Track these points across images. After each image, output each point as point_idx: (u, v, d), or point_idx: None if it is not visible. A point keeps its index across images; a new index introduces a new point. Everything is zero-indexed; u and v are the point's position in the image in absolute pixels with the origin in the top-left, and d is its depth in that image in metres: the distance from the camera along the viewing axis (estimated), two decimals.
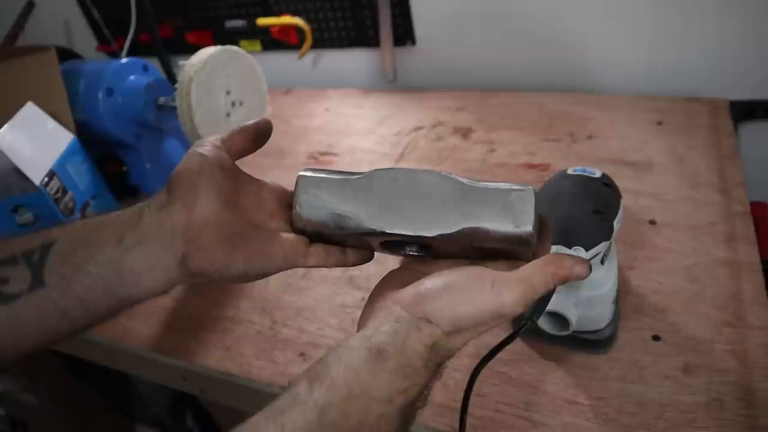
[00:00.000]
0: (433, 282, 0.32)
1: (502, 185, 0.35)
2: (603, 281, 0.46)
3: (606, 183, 0.47)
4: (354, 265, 0.38)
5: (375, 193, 0.36)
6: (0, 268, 0.30)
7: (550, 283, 0.31)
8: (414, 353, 0.29)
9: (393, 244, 0.36)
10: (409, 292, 0.32)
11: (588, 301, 0.46)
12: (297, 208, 0.36)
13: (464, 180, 0.36)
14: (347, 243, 0.38)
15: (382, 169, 0.36)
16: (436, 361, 0.30)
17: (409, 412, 0.29)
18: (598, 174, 0.47)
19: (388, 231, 0.35)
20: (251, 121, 0.37)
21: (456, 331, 0.30)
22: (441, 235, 0.34)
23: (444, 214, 0.34)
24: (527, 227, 0.33)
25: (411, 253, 0.37)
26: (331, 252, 0.37)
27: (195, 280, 0.33)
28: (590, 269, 0.32)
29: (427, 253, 0.37)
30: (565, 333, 0.46)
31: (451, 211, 0.34)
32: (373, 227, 0.35)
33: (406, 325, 0.30)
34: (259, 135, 0.37)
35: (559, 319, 0.46)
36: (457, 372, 0.49)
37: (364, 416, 0.27)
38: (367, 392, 0.27)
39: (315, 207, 0.36)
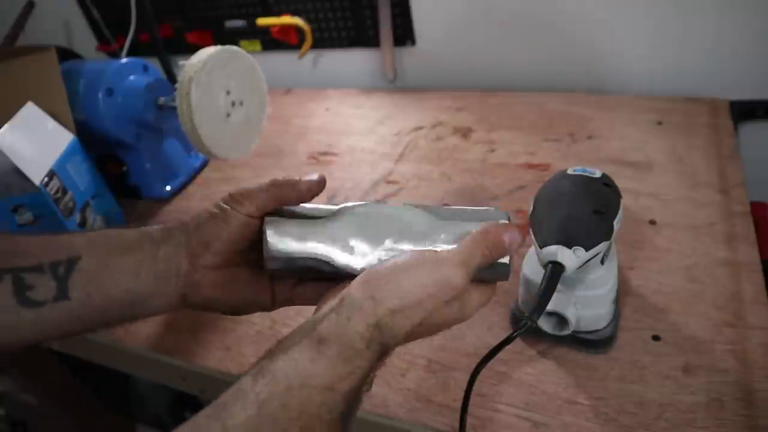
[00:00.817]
0: (382, 265, 0.32)
1: (477, 210, 0.37)
2: (603, 281, 0.46)
3: (606, 183, 0.47)
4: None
5: (346, 232, 0.36)
6: (27, 274, 0.34)
7: (485, 249, 0.33)
8: (355, 334, 0.29)
9: None
10: (360, 276, 0.33)
11: (587, 300, 0.46)
12: (267, 252, 0.36)
13: (432, 212, 0.36)
14: (324, 279, 0.38)
15: (350, 206, 0.37)
16: (380, 341, 0.30)
17: (352, 397, 0.29)
18: (598, 174, 0.47)
19: (355, 266, 0.35)
20: (295, 181, 0.37)
21: (400, 308, 0.30)
22: None
23: (409, 245, 0.35)
24: (505, 258, 0.35)
25: None
26: (316, 291, 0.39)
27: (191, 308, 0.38)
28: (520, 235, 0.35)
29: None
30: (565, 333, 0.46)
31: (416, 241, 0.35)
32: (349, 265, 0.35)
33: (350, 305, 0.30)
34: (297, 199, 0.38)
35: (559, 319, 0.46)
36: (457, 372, 0.49)
37: (305, 406, 0.28)
38: (307, 382, 0.28)
39: (285, 250, 0.36)
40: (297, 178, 0.37)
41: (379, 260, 0.35)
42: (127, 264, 0.36)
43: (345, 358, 0.29)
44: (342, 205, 0.37)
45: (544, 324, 0.46)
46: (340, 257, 0.35)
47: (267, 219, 0.36)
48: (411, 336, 0.32)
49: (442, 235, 0.35)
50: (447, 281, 0.31)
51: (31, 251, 0.35)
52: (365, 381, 0.30)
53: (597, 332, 0.48)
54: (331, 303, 0.32)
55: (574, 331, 0.46)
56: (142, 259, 0.36)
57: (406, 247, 0.35)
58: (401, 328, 0.31)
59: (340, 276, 0.36)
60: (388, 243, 0.35)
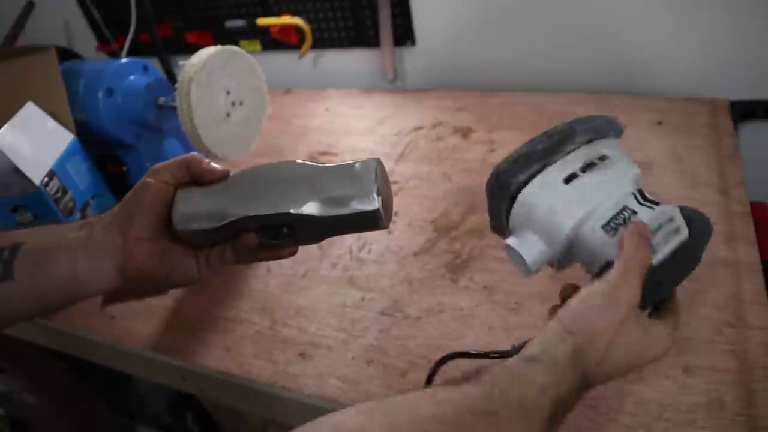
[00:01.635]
0: (577, 297, 0.36)
1: (349, 161, 0.39)
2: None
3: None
4: (245, 261, 0.43)
5: (240, 189, 0.40)
6: None
7: (638, 252, 0.35)
8: (562, 355, 0.33)
9: (265, 230, 0.40)
10: (562, 308, 0.36)
11: None
12: (174, 217, 0.40)
13: (316, 163, 0.40)
14: (228, 239, 0.42)
15: (247, 168, 0.41)
16: (582, 366, 0.33)
17: (557, 408, 0.32)
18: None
19: (250, 214, 0.38)
20: (201, 158, 0.41)
21: (592, 336, 0.33)
22: (298, 210, 0.38)
23: (298, 192, 0.38)
24: (371, 189, 0.37)
25: (281, 239, 0.40)
26: (221, 253, 0.42)
27: (130, 284, 0.41)
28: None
29: (294, 235, 0.40)
30: None
31: (303, 188, 0.38)
32: (238, 214, 0.39)
33: (553, 335, 0.34)
34: (202, 177, 0.41)
35: None
36: (456, 372, 0.49)
37: (523, 398, 0.31)
38: (524, 380, 0.32)
39: (188, 213, 0.40)
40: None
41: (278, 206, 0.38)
42: (67, 245, 0.39)
43: (552, 370, 0.32)
44: (239, 170, 0.41)
45: None
46: (232, 209, 0.39)
47: (180, 186, 0.41)
48: (605, 367, 0.34)
49: (330, 183, 0.38)
50: (620, 298, 0.34)
51: None
52: (569, 401, 0.33)
53: None
54: (541, 333, 0.35)
55: None
56: (79, 239, 0.39)
57: (286, 195, 0.39)
58: (594, 355, 0.33)
59: (238, 231, 0.40)
60: (272, 192, 0.39)
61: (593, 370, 0.33)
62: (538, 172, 0.38)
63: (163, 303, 0.65)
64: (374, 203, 0.37)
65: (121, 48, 1.09)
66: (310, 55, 1.09)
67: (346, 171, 0.38)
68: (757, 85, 0.78)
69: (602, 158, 0.39)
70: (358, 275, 0.63)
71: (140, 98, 0.73)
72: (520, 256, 0.38)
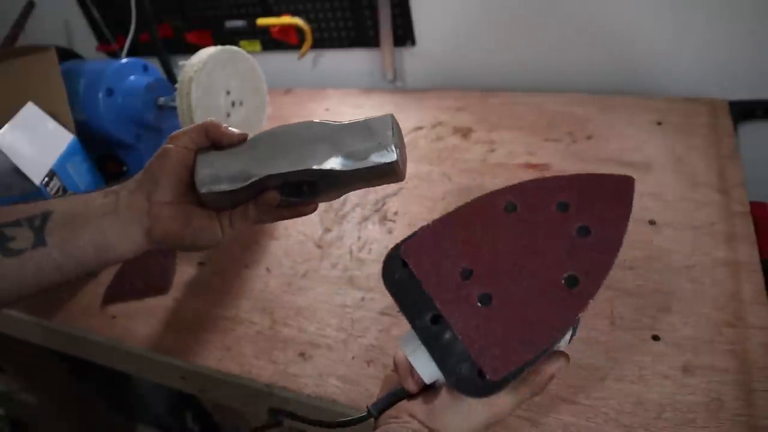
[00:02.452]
0: (442, 399, 0.36)
1: (365, 118, 0.40)
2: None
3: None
4: (267, 220, 0.45)
5: (260, 149, 0.41)
6: (6, 228, 0.38)
7: (537, 393, 0.35)
8: None
9: (287, 188, 0.41)
10: (422, 406, 0.36)
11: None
12: (196, 177, 0.41)
13: (333, 122, 0.41)
14: (251, 199, 0.43)
15: (263, 131, 0.42)
16: None
17: None
18: None
19: (272, 173, 0.40)
20: (219, 124, 0.43)
21: None
22: (320, 165, 0.39)
23: (318, 149, 0.40)
24: (389, 140, 0.38)
25: (303, 196, 0.42)
26: (245, 214, 0.43)
27: (158, 246, 0.42)
28: (568, 359, 0.34)
29: (318, 191, 0.42)
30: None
31: (323, 145, 0.40)
32: (261, 173, 0.40)
33: (410, 424, 0.35)
34: (221, 140, 0.43)
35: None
36: None
37: None
38: None
39: (210, 175, 0.41)
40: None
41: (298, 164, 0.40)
42: (95, 210, 0.40)
43: None
44: (257, 134, 0.43)
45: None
46: (254, 169, 0.40)
47: (199, 151, 0.42)
48: None
49: (348, 139, 0.40)
50: (494, 420, 0.35)
51: (8, 212, 0.39)
52: None
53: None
54: (394, 414, 0.36)
55: None
56: (107, 205, 0.41)
57: (307, 152, 0.40)
58: None
59: (260, 190, 0.41)
60: (292, 151, 0.40)
61: None
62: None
63: (163, 303, 0.65)
64: (393, 155, 0.38)
65: (121, 48, 1.09)
66: (310, 55, 1.09)
67: (363, 127, 0.40)
68: (756, 85, 0.78)
69: None
70: (358, 275, 0.63)
71: (140, 98, 0.73)
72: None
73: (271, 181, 0.40)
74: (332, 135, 0.40)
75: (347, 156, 0.39)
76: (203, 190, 0.41)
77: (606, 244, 0.30)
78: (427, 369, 0.34)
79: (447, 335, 0.31)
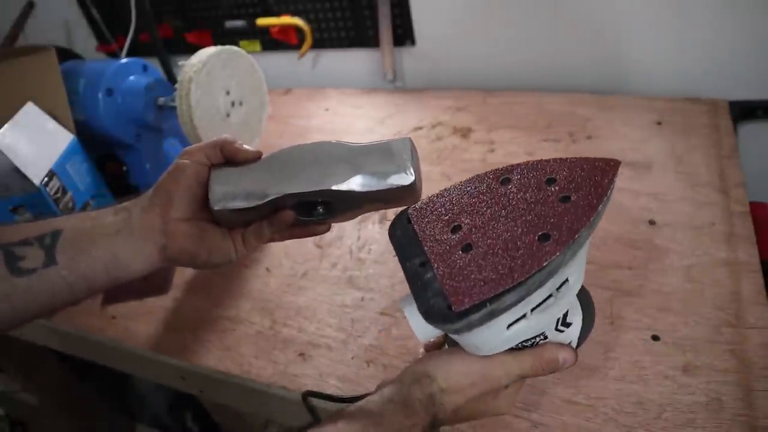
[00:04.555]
0: (449, 353, 0.38)
1: (383, 140, 0.41)
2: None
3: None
4: (279, 239, 0.45)
5: (276, 168, 0.41)
6: (16, 247, 0.38)
7: (538, 368, 0.37)
8: (415, 400, 0.36)
9: (302, 207, 0.41)
10: (426, 356, 0.39)
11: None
12: (211, 196, 0.40)
13: (349, 142, 0.41)
14: (265, 218, 0.43)
15: (282, 149, 0.42)
16: (433, 411, 0.36)
17: None
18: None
19: (290, 192, 0.40)
20: (233, 140, 0.42)
21: (447, 388, 0.36)
22: (338, 186, 0.39)
23: (336, 169, 0.40)
24: (407, 164, 0.39)
25: (319, 213, 0.42)
26: (259, 232, 0.43)
27: (170, 264, 0.42)
28: (576, 357, 0.37)
29: (333, 212, 0.42)
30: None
31: (341, 166, 0.40)
32: (279, 192, 0.40)
33: (410, 378, 0.37)
34: (235, 157, 0.42)
35: None
36: None
37: None
38: (381, 422, 0.34)
39: (225, 192, 0.40)
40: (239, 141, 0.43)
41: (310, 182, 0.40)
42: (106, 228, 0.39)
43: (407, 414, 0.35)
44: (272, 152, 0.42)
45: None
46: (270, 188, 0.40)
47: (213, 168, 0.42)
48: (456, 415, 0.37)
49: (366, 161, 0.40)
50: (489, 375, 0.36)
51: (18, 230, 0.39)
52: None
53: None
54: (394, 378, 0.38)
55: None
56: (118, 222, 0.40)
57: (325, 172, 0.40)
58: (449, 404, 0.36)
59: (275, 209, 0.41)
60: (310, 170, 0.40)
61: (443, 417, 0.36)
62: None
63: (163, 303, 0.65)
64: (411, 177, 0.39)
65: (121, 48, 1.09)
66: (310, 55, 1.09)
67: (381, 149, 0.40)
68: (756, 85, 0.78)
69: (563, 285, 0.34)
70: (358, 275, 0.63)
71: (140, 98, 0.73)
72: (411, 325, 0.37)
73: (288, 200, 0.40)
74: (350, 156, 0.40)
75: (365, 177, 0.39)
76: (217, 207, 0.40)
77: (581, 208, 0.33)
78: (420, 325, 0.35)
79: (428, 275, 0.34)
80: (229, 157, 0.42)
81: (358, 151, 0.40)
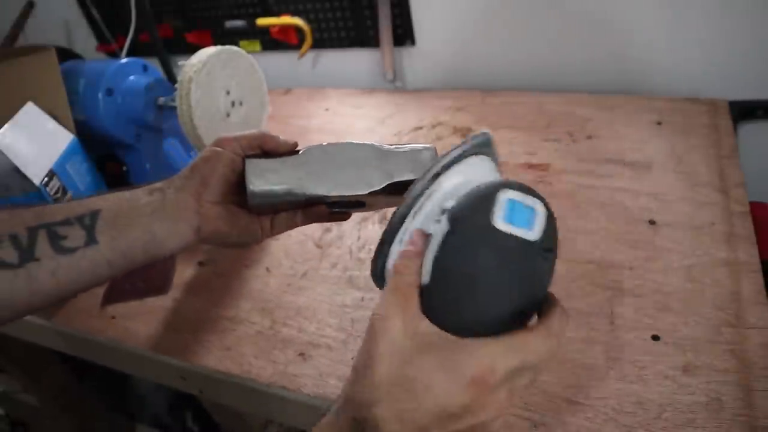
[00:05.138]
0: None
1: (410, 146, 0.45)
2: None
3: (547, 248, 0.31)
4: (308, 223, 0.48)
5: (312, 166, 0.44)
6: (59, 227, 0.39)
7: (400, 277, 0.32)
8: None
9: (336, 204, 0.45)
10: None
11: None
12: (250, 187, 0.43)
13: (383, 146, 0.44)
14: (297, 209, 0.47)
15: (315, 146, 0.45)
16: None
17: None
18: (536, 232, 0.30)
19: (328, 194, 0.43)
20: (274, 135, 0.46)
21: (364, 403, 0.31)
22: (372, 192, 0.43)
23: (371, 174, 0.43)
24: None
25: (349, 208, 0.47)
26: (289, 219, 0.47)
27: (203, 242, 0.44)
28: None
29: (363, 207, 0.46)
30: None
31: (376, 171, 0.43)
32: (316, 193, 0.43)
33: (348, 413, 0.33)
34: (277, 150, 0.46)
35: None
36: None
37: None
38: None
39: (264, 185, 0.43)
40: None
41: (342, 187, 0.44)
42: (142, 209, 0.41)
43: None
44: (306, 147, 0.45)
45: None
46: (311, 187, 0.43)
47: (247, 158, 0.44)
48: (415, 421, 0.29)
49: (396, 167, 0.44)
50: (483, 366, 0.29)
51: (57, 211, 0.40)
52: None
53: None
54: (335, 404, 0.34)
55: None
56: (153, 203, 0.42)
57: (361, 177, 0.44)
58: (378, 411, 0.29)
59: (310, 203, 0.45)
60: (347, 173, 0.44)
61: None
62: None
63: (163, 303, 0.65)
64: None
65: (121, 48, 1.09)
66: (310, 55, 1.09)
67: (411, 155, 0.44)
68: (757, 85, 0.78)
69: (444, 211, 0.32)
70: (358, 275, 0.63)
71: (140, 98, 0.73)
72: None
73: (325, 198, 0.44)
74: (382, 160, 0.44)
75: (398, 183, 0.43)
76: (256, 200, 0.43)
77: None
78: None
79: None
80: (270, 151, 0.45)
81: (389, 156, 0.44)
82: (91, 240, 0.40)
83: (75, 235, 0.40)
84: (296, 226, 0.48)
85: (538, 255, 0.31)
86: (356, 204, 0.45)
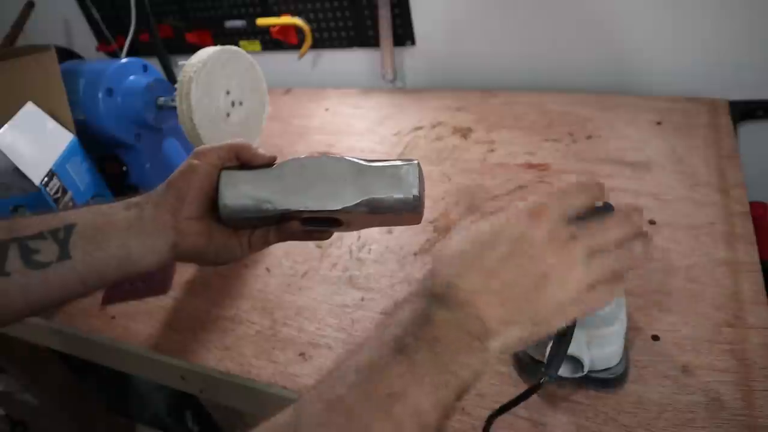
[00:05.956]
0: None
1: (392, 162, 0.42)
2: (613, 316, 0.44)
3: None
4: (282, 240, 0.47)
5: (287, 179, 0.42)
6: (31, 241, 0.38)
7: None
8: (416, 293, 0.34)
9: (309, 220, 0.43)
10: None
11: (601, 339, 0.43)
12: (221, 200, 0.42)
13: (361, 160, 0.42)
14: (271, 224, 0.45)
15: (292, 159, 0.43)
16: (430, 290, 0.33)
17: (400, 337, 0.31)
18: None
19: (300, 209, 0.41)
20: (254, 147, 0.44)
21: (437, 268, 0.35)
22: (345, 207, 0.41)
23: (346, 190, 0.41)
24: (414, 191, 0.40)
25: (324, 226, 0.44)
26: (264, 237, 0.46)
27: (179, 260, 0.43)
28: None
29: (339, 225, 0.43)
30: (578, 375, 0.43)
31: (350, 187, 0.41)
32: (288, 207, 0.41)
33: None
34: (251, 162, 0.44)
35: (573, 361, 0.43)
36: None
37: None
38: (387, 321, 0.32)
39: (236, 197, 0.42)
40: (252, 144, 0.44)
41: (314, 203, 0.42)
42: (118, 224, 0.40)
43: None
44: (284, 160, 0.44)
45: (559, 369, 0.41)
46: (282, 201, 0.41)
47: (224, 170, 0.42)
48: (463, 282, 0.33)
49: (374, 183, 0.41)
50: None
51: (31, 224, 0.39)
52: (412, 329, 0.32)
53: (609, 370, 0.45)
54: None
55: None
56: (130, 218, 0.41)
57: (335, 192, 0.41)
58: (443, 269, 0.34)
59: (284, 218, 0.43)
60: (321, 188, 0.42)
61: (442, 292, 0.32)
62: None
63: (163, 303, 0.65)
64: (417, 203, 0.41)
65: (121, 48, 1.09)
66: (310, 55, 1.09)
67: (390, 172, 0.41)
68: (757, 85, 0.78)
69: None
70: (358, 275, 0.63)
71: (140, 98, 0.73)
72: None
73: (297, 214, 0.42)
74: (359, 176, 0.41)
75: (373, 200, 0.41)
76: (226, 212, 0.42)
77: None
78: None
79: None
80: (245, 162, 0.43)
81: (366, 172, 0.41)
82: (63, 255, 0.38)
83: (48, 250, 0.38)
84: (270, 243, 0.46)
85: None
86: (332, 222, 0.43)
